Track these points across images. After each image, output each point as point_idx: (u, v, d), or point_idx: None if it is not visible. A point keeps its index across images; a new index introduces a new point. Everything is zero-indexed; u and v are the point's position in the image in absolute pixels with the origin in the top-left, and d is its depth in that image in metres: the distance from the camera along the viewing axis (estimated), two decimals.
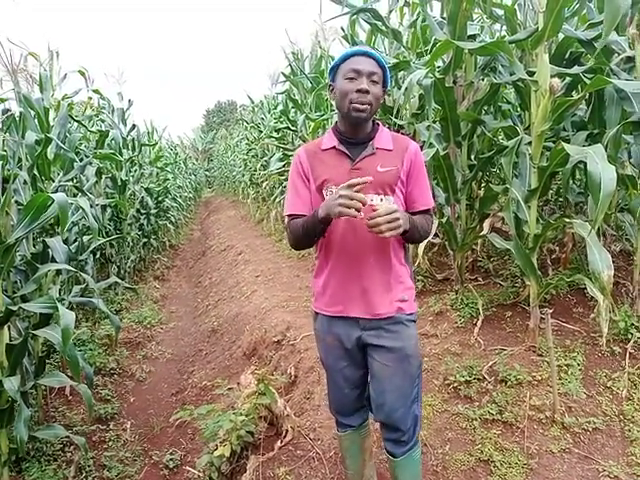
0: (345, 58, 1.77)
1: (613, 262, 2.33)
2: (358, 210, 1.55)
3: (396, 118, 4.28)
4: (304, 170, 1.88)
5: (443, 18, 3.59)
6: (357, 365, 1.92)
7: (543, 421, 2.54)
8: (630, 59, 2.97)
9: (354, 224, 1.74)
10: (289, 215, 1.88)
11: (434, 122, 4.05)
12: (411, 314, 1.87)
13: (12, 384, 2.54)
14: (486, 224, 3.72)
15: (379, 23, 4.18)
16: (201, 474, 2.80)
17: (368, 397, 1.98)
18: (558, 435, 2.45)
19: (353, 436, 2.09)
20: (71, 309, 3.29)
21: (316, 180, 1.84)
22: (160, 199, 10.16)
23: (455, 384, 2.90)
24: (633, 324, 2.96)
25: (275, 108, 10.25)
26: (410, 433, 1.88)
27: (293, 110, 7.86)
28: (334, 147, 1.84)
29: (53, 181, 3.83)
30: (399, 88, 4.24)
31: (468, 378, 2.90)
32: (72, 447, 3.26)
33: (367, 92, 1.71)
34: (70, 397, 3.91)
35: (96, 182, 5.80)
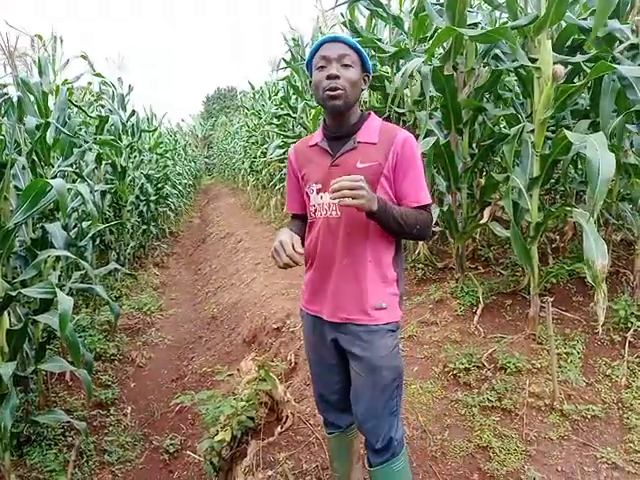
0: (315, 51, 1.69)
1: (614, 251, 2.34)
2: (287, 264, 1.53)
3: (397, 106, 4.25)
4: (294, 169, 1.87)
5: (441, 5, 3.55)
6: (339, 360, 1.83)
7: (542, 408, 2.55)
8: (634, 46, 2.94)
9: (329, 224, 1.70)
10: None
11: (435, 110, 4.02)
12: (388, 324, 1.70)
13: (8, 370, 2.50)
14: (486, 212, 3.70)
15: (379, 9, 4.14)
16: (202, 458, 2.82)
17: None
18: (557, 422, 2.46)
19: (340, 438, 2.01)
20: (71, 295, 3.29)
21: (303, 178, 1.81)
22: (160, 186, 10.13)
23: (455, 371, 2.92)
24: (633, 313, 2.97)
25: (276, 94, 10.16)
26: (386, 445, 1.75)
27: (294, 97, 7.81)
28: (317, 143, 1.77)
29: (52, 166, 3.81)
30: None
31: (467, 365, 2.91)
32: (73, 432, 3.27)
33: (337, 77, 1.61)
34: (70, 382, 3.92)
35: (96, 168, 5.77)
